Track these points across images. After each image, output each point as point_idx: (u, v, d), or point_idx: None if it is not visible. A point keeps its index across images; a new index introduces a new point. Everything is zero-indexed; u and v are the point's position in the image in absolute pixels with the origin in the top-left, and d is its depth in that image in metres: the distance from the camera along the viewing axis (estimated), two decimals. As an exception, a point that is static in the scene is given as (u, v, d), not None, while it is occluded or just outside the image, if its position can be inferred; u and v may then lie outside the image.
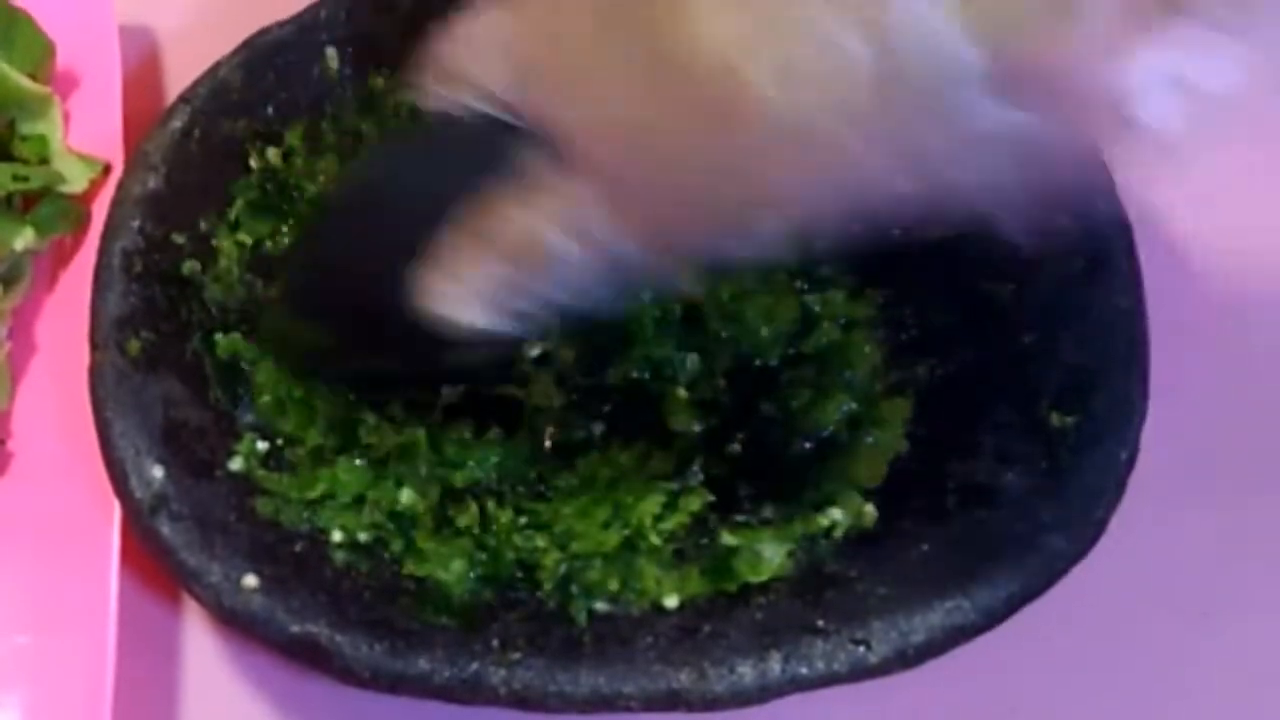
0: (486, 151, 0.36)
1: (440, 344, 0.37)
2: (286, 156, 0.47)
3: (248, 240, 0.46)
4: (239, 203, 0.46)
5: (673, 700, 0.38)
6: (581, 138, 0.33)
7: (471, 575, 0.42)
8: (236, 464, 0.42)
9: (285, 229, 0.46)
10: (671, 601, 0.41)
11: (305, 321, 0.44)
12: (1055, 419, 0.42)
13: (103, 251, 0.43)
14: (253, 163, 0.46)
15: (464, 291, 0.36)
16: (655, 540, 0.42)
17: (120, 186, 0.44)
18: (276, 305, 0.45)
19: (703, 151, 0.31)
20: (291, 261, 0.45)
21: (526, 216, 0.35)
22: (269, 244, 0.46)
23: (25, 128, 0.48)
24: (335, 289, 0.42)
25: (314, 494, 0.42)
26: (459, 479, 0.44)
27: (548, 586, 0.41)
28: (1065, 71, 0.28)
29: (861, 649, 0.38)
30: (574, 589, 0.41)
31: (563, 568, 0.42)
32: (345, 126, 0.48)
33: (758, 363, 0.46)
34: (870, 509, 0.43)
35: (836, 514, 0.43)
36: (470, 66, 0.36)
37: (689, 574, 0.42)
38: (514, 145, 0.35)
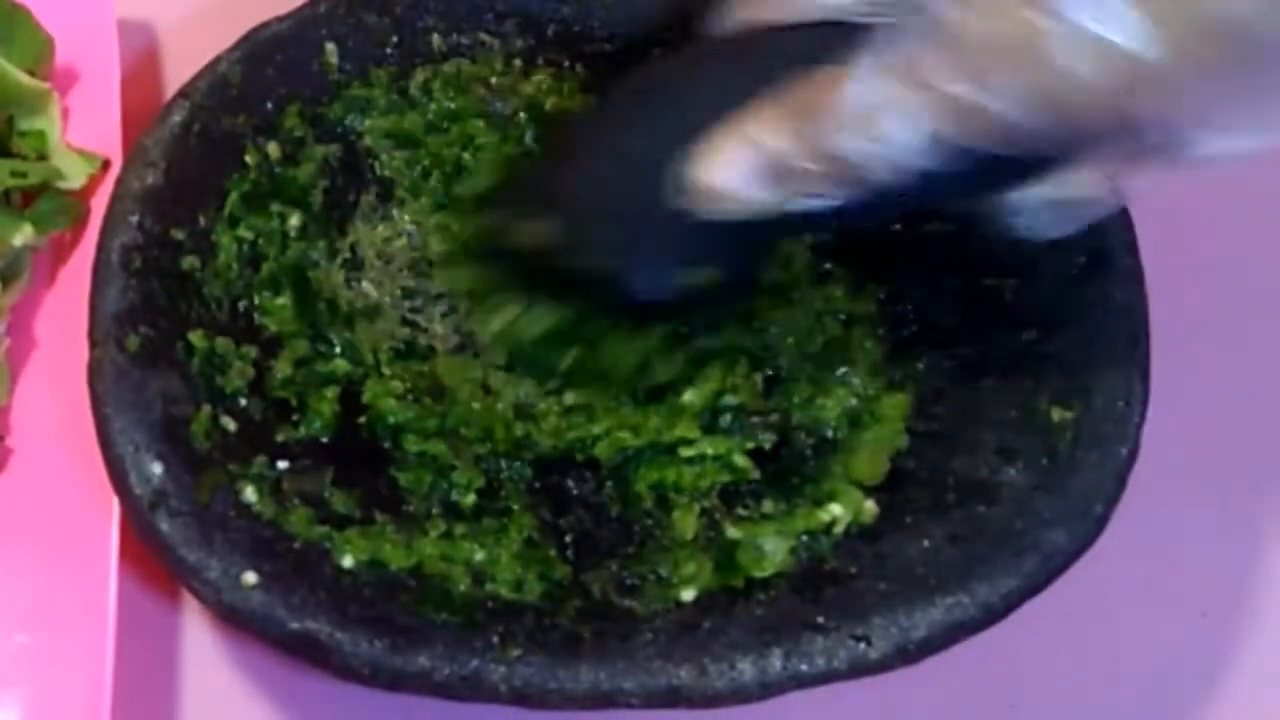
0: (801, 57, 0.36)
1: (663, 265, 0.38)
2: (284, 146, 0.47)
3: (248, 236, 0.46)
4: (233, 196, 0.46)
5: (673, 697, 0.38)
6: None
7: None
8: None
9: (277, 224, 0.47)
10: (688, 595, 0.41)
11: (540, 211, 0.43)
12: (1056, 415, 0.42)
13: (101, 247, 0.43)
14: (248, 159, 0.46)
15: (744, 156, 0.36)
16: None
17: (119, 182, 0.44)
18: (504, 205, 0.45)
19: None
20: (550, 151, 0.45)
21: (857, 86, 0.34)
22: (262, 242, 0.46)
23: (24, 123, 0.48)
24: (614, 186, 0.41)
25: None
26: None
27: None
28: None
29: (862, 645, 0.38)
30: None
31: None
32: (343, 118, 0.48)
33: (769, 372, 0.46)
34: (871, 505, 0.43)
35: (837, 510, 0.43)
36: None
37: (704, 565, 0.42)
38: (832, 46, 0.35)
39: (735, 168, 0.36)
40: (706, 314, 0.45)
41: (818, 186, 0.35)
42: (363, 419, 0.45)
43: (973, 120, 0.33)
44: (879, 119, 0.34)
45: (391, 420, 0.45)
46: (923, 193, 0.35)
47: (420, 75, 0.49)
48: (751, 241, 0.41)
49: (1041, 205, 0.36)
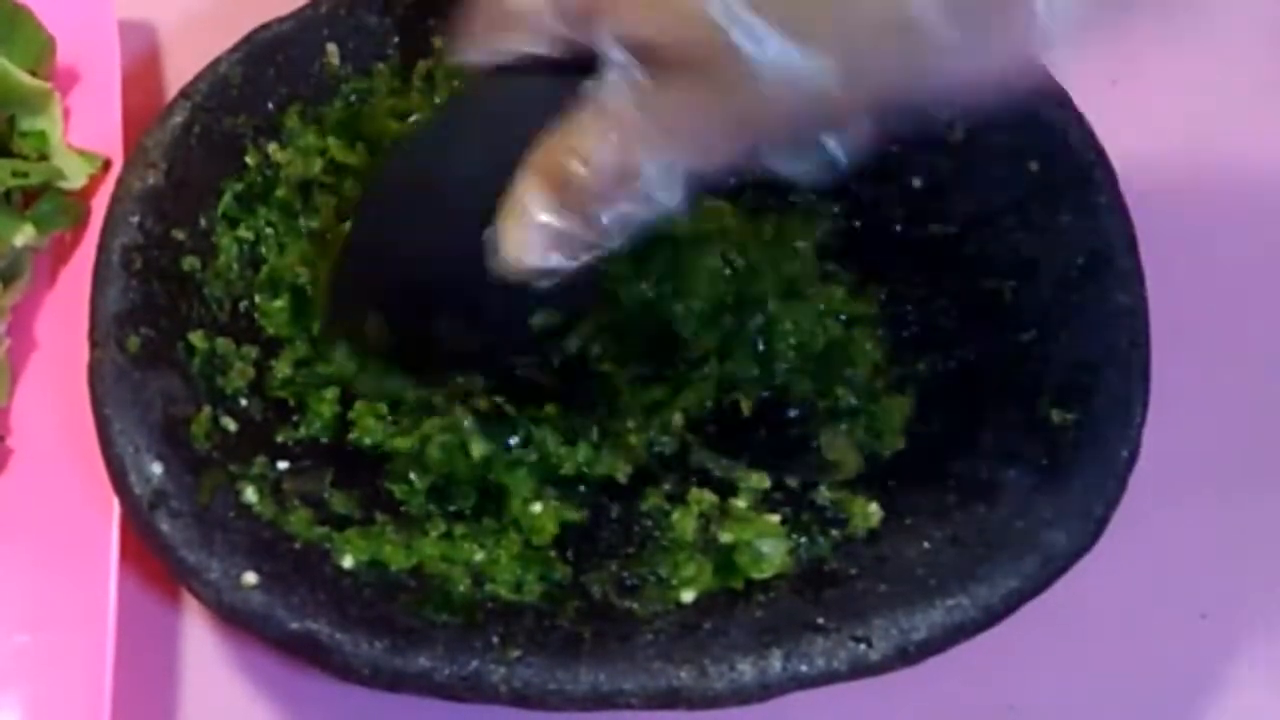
0: (540, 100, 0.36)
1: (523, 302, 0.38)
2: (284, 145, 0.47)
3: (248, 237, 0.46)
4: (226, 196, 0.46)
5: (673, 698, 0.38)
6: (653, 40, 0.34)
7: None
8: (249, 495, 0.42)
9: (272, 222, 0.46)
10: (688, 596, 0.41)
11: (375, 311, 0.44)
12: (1056, 416, 0.42)
13: (102, 248, 0.43)
14: (249, 159, 0.46)
15: (537, 230, 0.37)
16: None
17: (120, 182, 0.44)
18: (341, 303, 0.45)
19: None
20: (351, 255, 0.44)
21: (575, 156, 0.35)
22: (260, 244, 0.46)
23: (25, 124, 0.48)
24: (405, 271, 0.42)
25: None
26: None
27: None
28: None
29: (862, 646, 0.38)
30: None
31: None
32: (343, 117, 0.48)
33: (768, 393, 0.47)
34: (872, 507, 0.43)
35: (837, 511, 0.43)
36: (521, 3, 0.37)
37: (704, 567, 0.42)
38: (565, 88, 0.36)
39: (527, 245, 0.37)
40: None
41: (606, 241, 0.37)
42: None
43: (714, 155, 0.35)
44: (632, 179, 0.35)
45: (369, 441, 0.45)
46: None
47: (423, 66, 0.49)
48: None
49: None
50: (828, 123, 0.35)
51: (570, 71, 0.36)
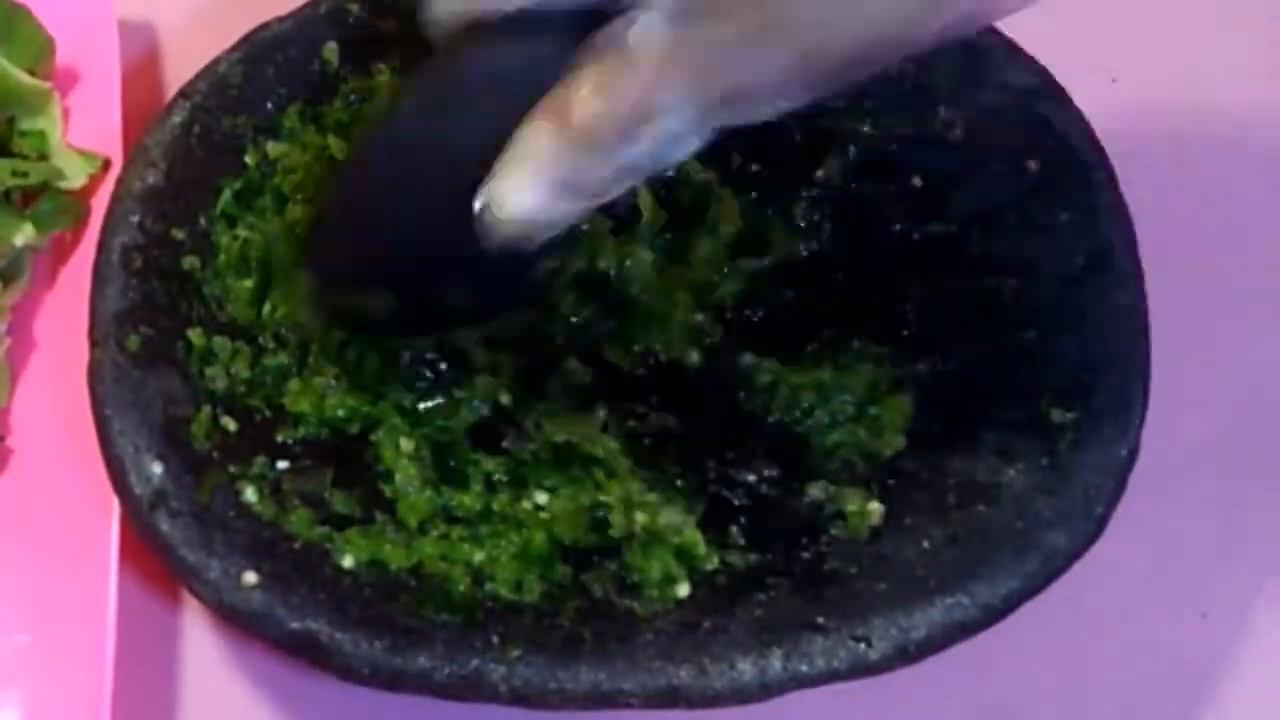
0: (536, 62, 0.36)
1: (511, 268, 0.38)
2: (283, 144, 0.47)
3: (247, 235, 0.46)
4: (225, 194, 0.46)
5: (673, 697, 0.38)
6: None
7: None
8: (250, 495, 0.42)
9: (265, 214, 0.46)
10: (683, 590, 0.41)
11: (359, 286, 0.43)
12: (1056, 416, 0.42)
13: (102, 247, 0.43)
14: (248, 159, 0.46)
15: (539, 181, 0.36)
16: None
17: (120, 182, 0.44)
18: (319, 276, 0.44)
19: None
20: (330, 222, 0.44)
21: (595, 90, 0.34)
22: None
23: (25, 123, 0.48)
24: (388, 241, 0.41)
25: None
26: None
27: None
28: None
29: (862, 646, 0.38)
30: None
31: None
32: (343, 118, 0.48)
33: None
34: (872, 506, 0.43)
35: (837, 510, 0.43)
36: None
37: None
38: (562, 46, 0.35)
39: (532, 196, 0.36)
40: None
41: (614, 186, 0.36)
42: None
43: (748, 102, 0.34)
44: (650, 119, 0.34)
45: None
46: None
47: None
48: None
49: None
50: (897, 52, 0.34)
51: (564, 28, 0.35)
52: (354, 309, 0.44)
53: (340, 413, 0.44)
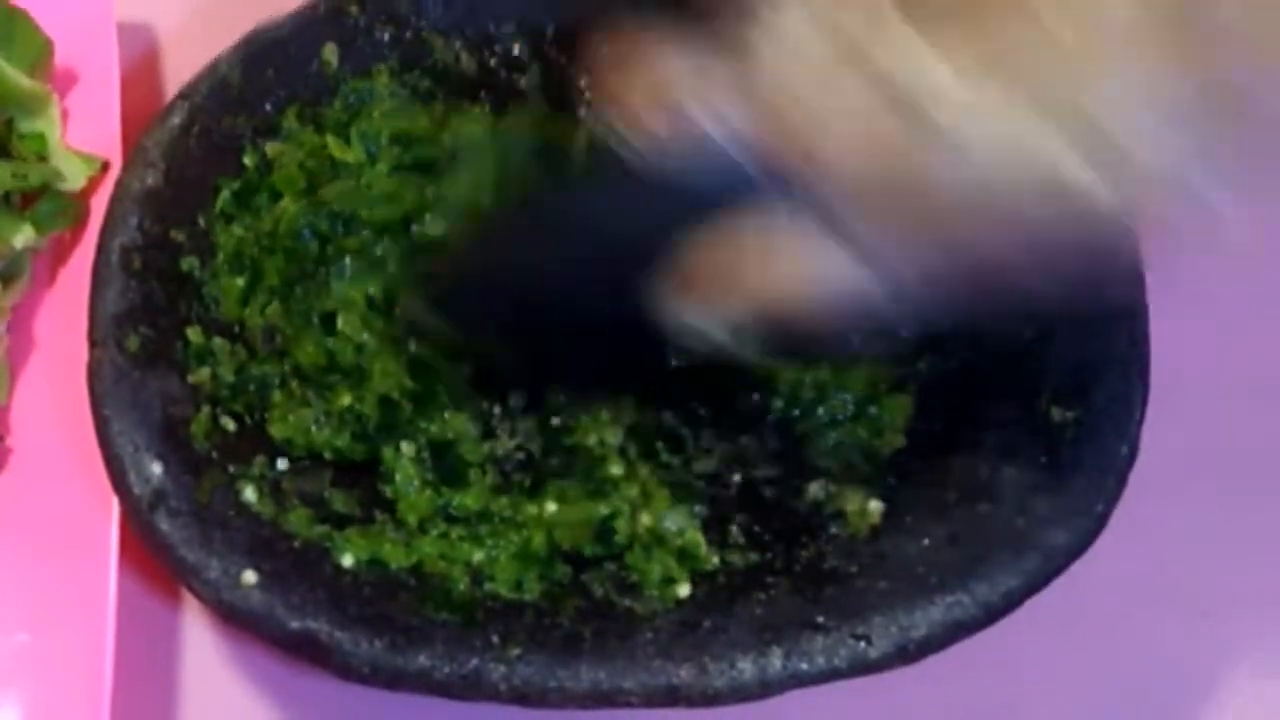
0: (703, 189, 0.36)
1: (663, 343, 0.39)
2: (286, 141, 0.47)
3: (245, 235, 0.46)
4: (224, 195, 0.46)
5: (673, 696, 0.38)
6: (835, 168, 0.34)
7: None
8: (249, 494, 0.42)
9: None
10: (683, 590, 0.41)
11: (498, 333, 0.44)
12: (1056, 414, 0.42)
13: (101, 248, 0.43)
14: (247, 160, 0.46)
15: (713, 312, 0.38)
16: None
17: (119, 183, 0.44)
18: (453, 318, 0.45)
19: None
20: (479, 267, 0.44)
21: (780, 253, 0.36)
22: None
23: (24, 125, 0.48)
24: (548, 299, 0.42)
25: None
26: None
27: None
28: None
29: (862, 644, 0.38)
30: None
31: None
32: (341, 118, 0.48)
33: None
34: (872, 505, 0.43)
35: (837, 509, 0.43)
36: (712, 96, 0.36)
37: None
38: (730, 187, 0.36)
39: (709, 324, 0.38)
40: None
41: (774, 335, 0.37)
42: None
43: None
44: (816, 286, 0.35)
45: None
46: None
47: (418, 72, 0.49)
48: None
49: None
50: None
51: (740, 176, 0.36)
52: (480, 353, 0.45)
53: (331, 448, 0.44)
